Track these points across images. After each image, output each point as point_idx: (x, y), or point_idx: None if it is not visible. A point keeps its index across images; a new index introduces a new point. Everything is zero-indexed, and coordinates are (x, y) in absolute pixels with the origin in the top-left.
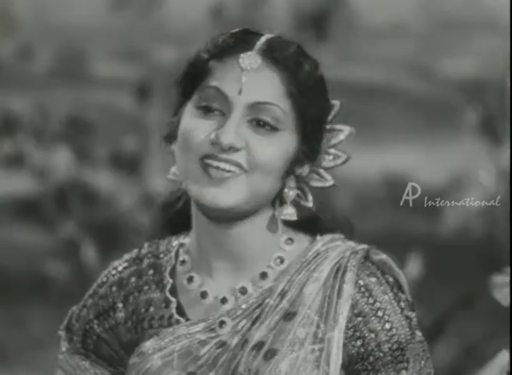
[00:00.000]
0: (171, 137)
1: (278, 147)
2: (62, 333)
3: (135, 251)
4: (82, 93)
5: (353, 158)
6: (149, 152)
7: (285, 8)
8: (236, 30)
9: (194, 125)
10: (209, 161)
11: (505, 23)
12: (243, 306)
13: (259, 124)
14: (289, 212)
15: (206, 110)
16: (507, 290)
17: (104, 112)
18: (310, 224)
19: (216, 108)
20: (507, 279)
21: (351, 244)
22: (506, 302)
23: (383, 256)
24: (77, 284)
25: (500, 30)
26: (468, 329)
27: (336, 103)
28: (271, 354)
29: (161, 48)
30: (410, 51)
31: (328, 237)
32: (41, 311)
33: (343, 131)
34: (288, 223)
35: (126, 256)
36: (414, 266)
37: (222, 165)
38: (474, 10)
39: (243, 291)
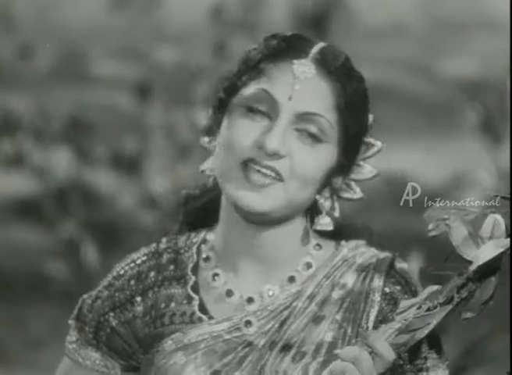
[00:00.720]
0: (210, 131)
1: (320, 158)
2: (72, 322)
3: (153, 245)
4: (82, 93)
5: None
6: (149, 152)
7: (285, 8)
8: (288, 33)
9: (240, 126)
10: (251, 164)
11: (505, 23)
12: (270, 308)
13: (305, 134)
14: (326, 222)
15: (253, 112)
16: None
17: (104, 112)
18: (332, 230)
19: (264, 111)
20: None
21: (374, 250)
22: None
23: (405, 265)
24: (77, 284)
25: (500, 30)
26: (469, 328)
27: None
28: (300, 357)
29: (161, 48)
30: (410, 51)
31: (352, 243)
32: (41, 310)
33: (375, 146)
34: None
35: (145, 250)
36: (415, 266)
37: (264, 170)
38: (473, 10)
39: (270, 293)
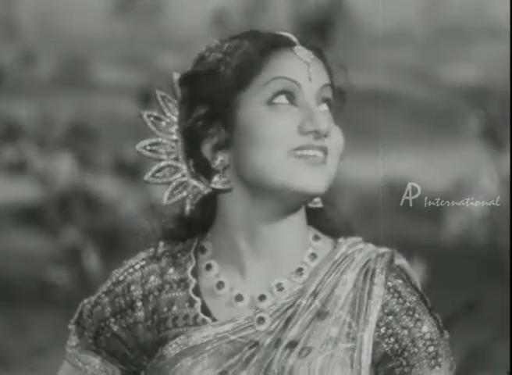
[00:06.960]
0: (222, 145)
1: (339, 129)
2: (72, 327)
3: (151, 249)
4: (84, 99)
5: (355, 164)
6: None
7: (287, 15)
8: (262, 32)
9: (275, 119)
10: (305, 151)
11: (506, 30)
12: (274, 307)
13: (325, 110)
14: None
15: (279, 102)
16: None
17: (106, 119)
18: (314, 220)
19: (290, 97)
20: None
21: (372, 246)
22: None
23: (404, 261)
24: (79, 291)
25: (502, 36)
26: (471, 333)
27: None
28: (306, 351)
29: (163, 55)
30: (412, 57)
31: (350, 240)
32: (43, 317)
33: None
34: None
35: (143, 255)
36: (418, 272)
37: (318, 153)
38: (475, 17)
39: (280, 287)
